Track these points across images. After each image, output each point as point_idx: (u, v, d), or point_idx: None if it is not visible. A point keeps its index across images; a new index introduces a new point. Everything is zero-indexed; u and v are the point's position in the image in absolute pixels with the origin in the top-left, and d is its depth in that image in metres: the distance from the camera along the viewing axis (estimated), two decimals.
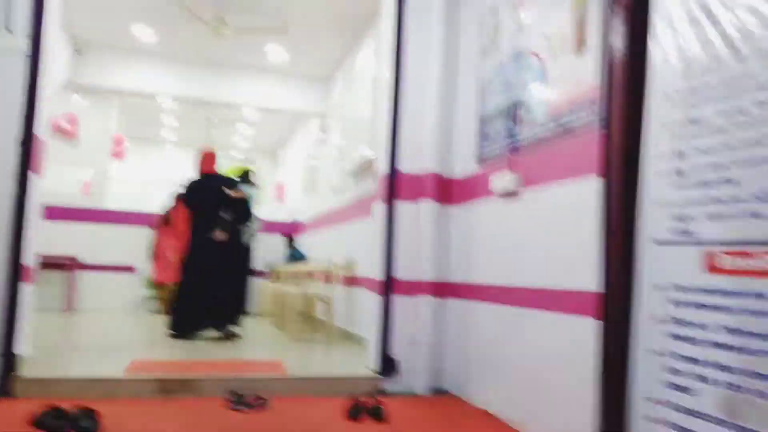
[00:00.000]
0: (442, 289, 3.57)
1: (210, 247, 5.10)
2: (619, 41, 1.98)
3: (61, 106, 7.66)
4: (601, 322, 2.03)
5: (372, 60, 4.53)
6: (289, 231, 8.34)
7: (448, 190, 3.62)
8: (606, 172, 2.04)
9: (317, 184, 7.48)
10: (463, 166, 3.57)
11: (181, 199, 5.43)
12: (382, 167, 3.73)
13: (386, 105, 3.71)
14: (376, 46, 4.50)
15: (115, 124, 8.44)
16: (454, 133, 3.66)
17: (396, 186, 3.60)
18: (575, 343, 2.26)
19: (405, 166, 3.62)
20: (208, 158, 5.38)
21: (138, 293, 7.66)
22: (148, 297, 7.59)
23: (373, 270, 3.71)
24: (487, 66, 3.31)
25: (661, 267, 1.79)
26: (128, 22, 5.81)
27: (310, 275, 6.15)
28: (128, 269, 7.65)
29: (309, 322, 6.01)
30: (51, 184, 9.10)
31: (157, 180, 11.91)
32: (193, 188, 5.35)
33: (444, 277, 3.58)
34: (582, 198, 2.30)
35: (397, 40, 3.67)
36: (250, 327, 6.04)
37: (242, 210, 5.43)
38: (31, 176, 3.00)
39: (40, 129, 3.09)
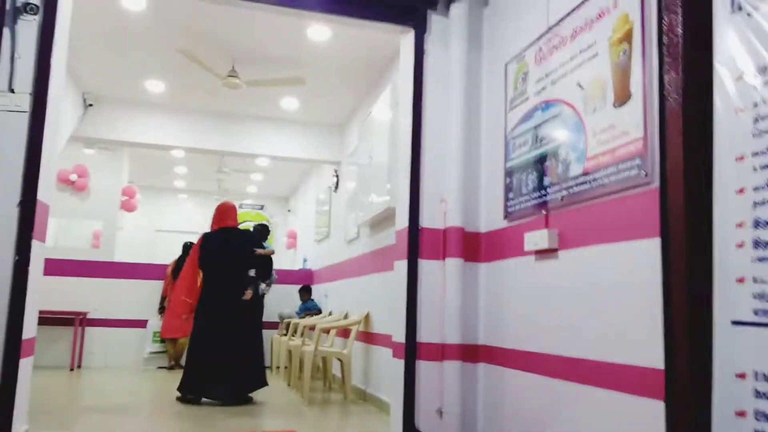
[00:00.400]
0: (472, 353, 3.31)
1: (226, 305, 4.86)
2: (673, 90, 1.79)
3: (71, 159, 7.63)
4: (669, 408, 1.77)
5: (389, 108, 4.39)
6: (306, 282, 8.13)
7: (474, 246, 3.40)
8: (665, 237, 1.82)
9: (331, 233, 7.30)
10: (489, 220, 3.37)
11: (195, 251, 5.22)
12: (401, 221, 3.54)
13: (406, 157, 3.54)
14: (393, 95, 4.37)
15: (125, 176, 8.38)
16: (478, 186, 3.47)
17: (418, 242, 3.39)
18: (637, 429, 2.00)
19: (427, 220, 3.42)
20: (227, 212, 5.14)
21: (147, 348, 7.41)
22: (158, 352, 7.35)
23: (397, 332, 3.47)
24: (514, 116, 3.14)
25: (740, 350, 1.55)
26: (140, 76, 5.76)
27: (326, 331, 5.90)
28: (139, 324, 7.44)
29: (324, 379, 5.73)
30: (60, 237, 9.10)
31: (168, 229, 11.82)
32: (211, 242, 5.11)
33: (472, 340, 3.33)
34: (635, 262, 2.08)
35: (416, 89, 3.53)
36: None
37: (266, 267, 5.27)
38: (34, 244, 2.82)
39: (44, 192, 2.94)
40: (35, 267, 2.87)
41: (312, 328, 6.52)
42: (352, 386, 4.92)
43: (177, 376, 6.69)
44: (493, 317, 3.24)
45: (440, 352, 3.31)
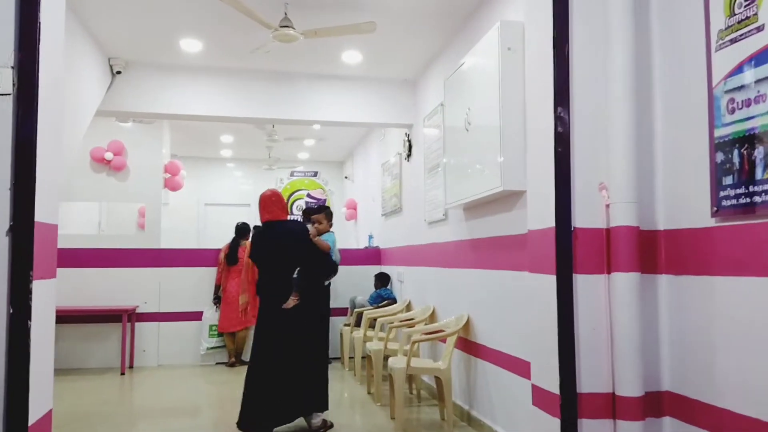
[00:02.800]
0: (654, 405, 2.36)
1: (278, 321, 4.01)
2: None
3: (104, 135, 6.90)
4: None
5: (497, 56, 3.34)
6: (373, 261, 7.28)
7: (650, 252, 2.41)
8: None
9: (403, 209, 6.36)
10: (675, 214, 2.35)
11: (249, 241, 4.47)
12: (539, 217, 2.57)
13: (543, 124, 2.54)
14: (504, 39, 3.31)
15: (167, 149, 7.62)
16: (653, 164, 2.44)
17: (571, 249, 2.41)
18: None
19: (582, 217, 2.42)
20: (270, 203, 4.19)
21: (204, 344, 6.78)
22: (216, 347, 6.69)
23: (542, 375, 2.53)
24: (728, 58, 2.08)
25: None
26: (173, 34, 4.85)
27: (408, 324, 5.04)
28: (193, 316, 6.79)
29: (410, 387, 4.93)
30: (104, 224, 8.52)
31: (218, 203, 11.16)
32: (259, 241, 4.38)
33: (654, 386, 2.37)
34: None
35: (559, 26, 2.48)
36: (335, 391, 5.00)
37: (324, 262, 4.37)
38: (38, 287, 1.99)
39: (47, 208, 2.09)
40: (43, 317, 2.05)
41: (386, 317, 5.69)
42: (452, 404, 4.05)
43: (240, 373, 6.05)
44: (688, 355, 2.27)
45: (610, 407, 2.37)
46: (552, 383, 2.44)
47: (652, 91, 2.48)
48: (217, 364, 6.75)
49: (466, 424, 4.16)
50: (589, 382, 2.38)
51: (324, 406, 4.19)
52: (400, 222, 6.49)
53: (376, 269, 7.20)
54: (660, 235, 2.44)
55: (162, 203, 7.35)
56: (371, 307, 6.34)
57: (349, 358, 6.38)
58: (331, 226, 4.63)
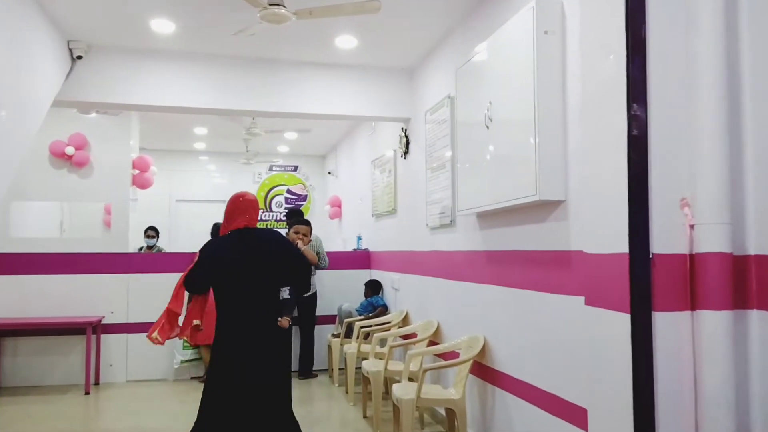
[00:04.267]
0: None
1: (254, 354, 3.26)
2: None
3: (64, 128, 6.26)
4: None
5: (530, 42, 2.87)
6: (363, 265, 6.80)
7: (744, 284, 1.97)
8: None
9: (398, 211, 5.88)
10: None
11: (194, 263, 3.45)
12: (598, 239, 2.12)
13: (601, 121, 2.07)
14: (542, 21, 2.83)
15: (135, 142, 6.99)
16: (742, 173, 2.00)
17: (650, 281, 1.95)
18: None
19: (660, 241, 1.97)
20: (251, 207, 3.44)
21: (178, 356, 6.22)
22: (191, 359, 6.12)
23: None
24: None
25: None
26: (143, 14, 4.27)
27: (408, 338, 4.59)
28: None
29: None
30: (66, 225, 7.85)
31: (190, 198, 10.53)
32: (223, 251, 3.35)
33: None
34: None
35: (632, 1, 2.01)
36: (325, 412, 4.51)
37: (305, 277, 3.86)
38: None
39: None
40: None
41: (382, 329, 5.22)
42: None
43: None
44: None
45: None
46: None
47: (741, 89, 2.03)
48: (192, 378, 6.20)
49: None
50: None
51: None
52: (394, 225, 6.00)
53: (365, 273, 6.72)
54: (751, 261, 2.00)
55: (130, 199, 6.75)
56: (360, 317, 5.86)
57: (339, 369, 5.90)
58: (310, 242, 4.28)
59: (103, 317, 6.11)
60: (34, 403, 5.30)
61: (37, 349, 5.97)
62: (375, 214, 6.74)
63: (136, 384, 6.06)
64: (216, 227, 6.13)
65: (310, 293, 6.04)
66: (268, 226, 9.65)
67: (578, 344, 2.67)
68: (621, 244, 1.99)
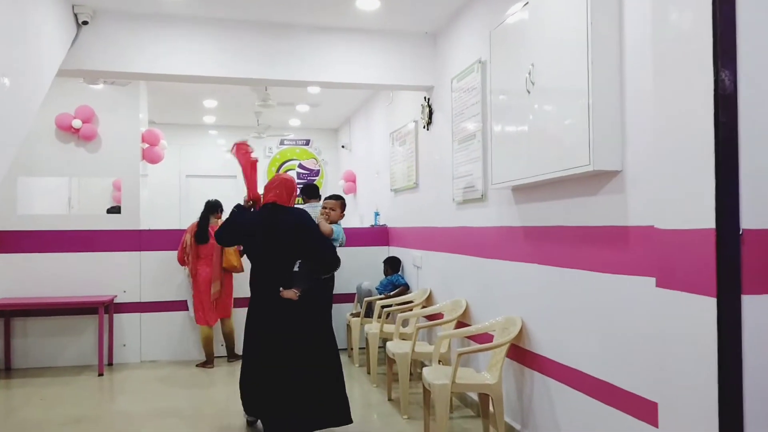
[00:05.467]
0: None
1: (277, 318, 3.64)
2: None
3: (70, 99, 6.03)
4: None
5: (583, 2, 2.61)
6: (381, 241, 6.59)
7: None
8: None
9: (420, 185, 5.64)
10: None
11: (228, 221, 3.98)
12: (667, 215, 1.89)
13: (676, 83, 1.83)
14: None
15: (144, 115, 6.76)
16: None
17: (739, 260, 1.73)
18: None
19: (750, 215, 1.74)
20: (286, 187, 3.87)
21: (190, 336, 6.08)
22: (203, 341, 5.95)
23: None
24: None
25: None
26: None
27: (434, 318, 4.41)
28: (180, 306, 6.07)
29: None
30: (75, 202, 7.66)
31: (201, 174, 10.34)
32: (253, 221, 3.86)
33: None
34: None
35: None
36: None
37: (328, 254, 3.81)
38: None
39: None
40: None
41: (404, 309, 5.04)
42: (504, 423, 3.42)
43: (231, 372, 5.40)
44: None
45: None
46: None
47: None
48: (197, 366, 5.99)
49: None
50: None
51: (346, 419, 3.60)
52: (415, 200, 5.77)
53: (384, 251, 6.52)
54: None
55: (141, 175, 6.54)
56: (381, 296, 5.67)
57: (360, 349, 5.74)
58: (342, 217, 4.18)
59: (116, 296, 5.96)
60: (47, 385, 5.18)
61: (48, 330, 5.84)
62: (394, 188, 6.51)
63: (150, 365, 5.94)
64: (209, 202, 5.89)
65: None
66: None
67: (639, 329, 2.45)
68: (704, 219, 1.77)
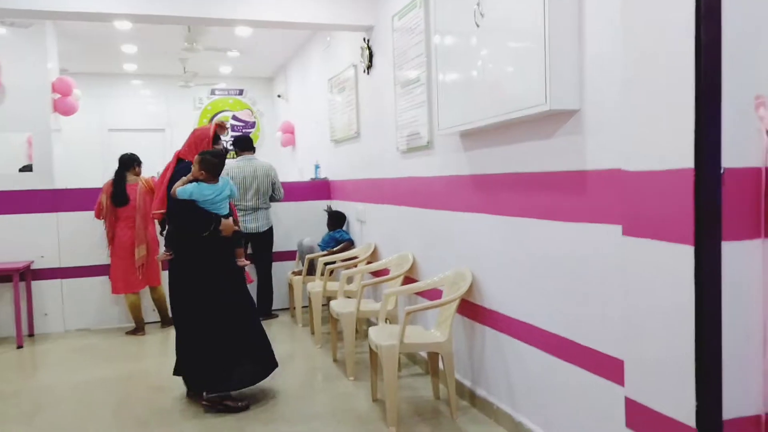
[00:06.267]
0: None
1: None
2: None
3: None
4: None
5: None
6: (321, 195, 6.32)
7: None
8: None
9: (361, 134, 5.36)
10: None
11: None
12: (639, 155, 1.71)
13: (672, 6, 1.61)
14: None
15: (54, 62, 6.14)
16: None
17: (719, 202, 1.56)
18: None
19: (730, 153, 1.57)
20: (190, 138, 3.65)
21: (119, 302, 5.69)
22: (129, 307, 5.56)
23: (663, 396, 1.73)
24: None
25: None
26: None
27: (381, 275, 4.23)
28: (106, 270, 5.62)
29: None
30: None
31: (124, 128, 9.68)
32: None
33: None
34: None
35: None
36: (288, 354, 4.15)
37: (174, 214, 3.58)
38: None
39: None
40: None
41: (348, 266, 4.84)
42: (455, 382, 3.28)
43: (166, 337, 5.08)
44: None
45: None
46: (674, 404, 1.65)
47: None
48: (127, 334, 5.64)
49: (469, 404, 3.44)
50: (735, 405, 1.61)
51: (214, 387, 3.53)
52: (357, 150, 5.49)
53: (326, 205, 6.25)
54: None
55: (53, 130, 5.97)
56: (323, 253, 5.44)
57: (303, 307, 5.52)
58: (203, 175, 3.49)
59: (32, 262, 5.49)
60: None
61: None
62: (334, 139, 6.19)
63: (76, 334, 5.54)
64: (124, 157, 5.38)
65: (265, 228, 5.56)
66: None
67: (601, 281, 2.31)
68: (682, 158, 1.58)
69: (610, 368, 2.29)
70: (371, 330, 3.44)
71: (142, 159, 5.49)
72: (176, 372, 3.78)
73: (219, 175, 3.45)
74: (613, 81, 2.17)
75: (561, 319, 2.57)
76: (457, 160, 3.49)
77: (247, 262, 3.73)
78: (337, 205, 6.07)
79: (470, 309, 3.37)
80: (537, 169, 2.69)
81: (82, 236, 5.60)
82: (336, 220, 5.68)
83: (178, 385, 3.82)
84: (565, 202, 2.49)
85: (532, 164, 2.72)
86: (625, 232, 1.82)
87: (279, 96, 9.30)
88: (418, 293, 3.89)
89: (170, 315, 5.62)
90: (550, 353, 2.66)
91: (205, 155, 3.40)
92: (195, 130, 3.70)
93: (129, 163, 5.37)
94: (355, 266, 4.88)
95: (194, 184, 3.39)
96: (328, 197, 6.35)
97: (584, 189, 2.37)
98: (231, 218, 3.54)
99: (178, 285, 3.58)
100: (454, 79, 3.18)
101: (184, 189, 3.35)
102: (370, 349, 3.49)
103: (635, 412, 1.82)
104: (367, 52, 4.96)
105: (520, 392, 2.96)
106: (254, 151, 5.75)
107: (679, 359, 1.63)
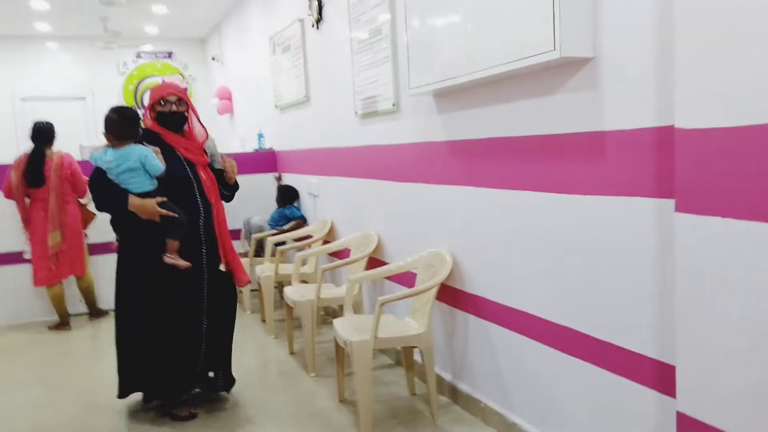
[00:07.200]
0: None
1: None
2: None
3: None
4: None
5: None
6: (266, 168, 5.79)
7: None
8: None
9: (311, 98, 4.84)
10: None
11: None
12: (696, 109, 1.34)
13: None
14: None
15: None
16: None
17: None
18: None
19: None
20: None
21: (39, 293, 5.03)
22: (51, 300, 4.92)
23: (736, 411, 1.39)
24: None
25: None
26: None
27: (338, 256, 3.80)
28: (12, 259, 4.94)
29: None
30: None
31: (40, 96, 8.76)
32: None
33: None
34: None
35: None
36: (239, 347, 3.71)
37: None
38: None
39: None
40: None
41: (300, 247, 4.41)
42: (436, 377, 2.91)
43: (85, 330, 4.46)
44: None
45: None
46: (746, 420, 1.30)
47: None
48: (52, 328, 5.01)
49: (449, 400, 3.08)
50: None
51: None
52: (307, 117, 4.98)
53: (273, 179, 5.73)
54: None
55: None
56: (273, 232, 4.95)
57: (252, 291, 5.04)
58: (113, 139, 2.86)
59: None
60: None
61: None
62: (279, 105, 5.64)
63: None
64: (40, 127, 4.65)
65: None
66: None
67: (619, 265, 1.95)
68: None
69: (634, 367, 1.95)
70: (337, 323, 3.02)
71: (61, 130, 4.80)
72: (125, 390, 3.12)
73: (124, 137, 2.78)
74: (641, 19, 1.78)
75: (570, 308, 2.21)
76: (430, 125, 3.06)
77: (180, 262, 2.84)
78: (286, 179, 5.56)
79: (450, 294, 2.98)
80: (535, 131, 2.29)
81: None
82: (286, 195, 5.18)
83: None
84: (576, 170, 2.11)
85: (530, 126, 2.32)
86: (680, 208, 1.45)
87: (213, 59, 8.57)
88: (388, 277, 3.49)
89: (99, 306, 5.06)
90: (554, 347, 2.31)
91: (108, 112, 2.84)
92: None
93: (49, 133, 4.64)
94: (310, 246, 4.43)
95: (103, 148, 2.82)
96: (275, 169, 5.82)
97: (602, 154, 1.99)
98: (153, 199, 2.80)
99: (118, 276, 3.02)
100: (429, 27, 2.73)
101: (91, 154, 2.79)
102: (336, 342, 3.07)
103: (692, 430, 1.48)
104: (315, 2, 4.41)
105: (513, 389, 2.62)
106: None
107: (756, 362, 1.28)
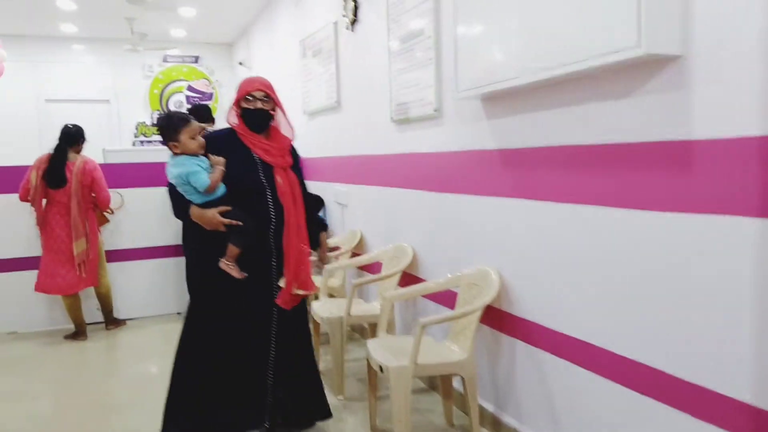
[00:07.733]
0: None
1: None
2: None
3: None
4: None
5: None
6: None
7: None
8: None
9: (342, 103, 4.65)
10: None
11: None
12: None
13: None
14: None
15: None
16: None
17: None
18: None
19: None
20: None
21: (54, 301, 4.88)
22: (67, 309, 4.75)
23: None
24: None
25: None
26: None
27: (368, 270, 3.58)
28: (29, 264, 4.80)
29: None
30: None
31: (65, 98, 8.72)
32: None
33: None
34: None
35: None
36: None
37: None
38: None
39: None
40: None
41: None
42: (479, 408, 2.66)
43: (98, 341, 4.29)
44: None
45: None
46: None
47: None
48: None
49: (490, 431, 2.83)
50: None
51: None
52: (337, 122, 4.79)
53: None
54: None
55: None
56: None
57: None
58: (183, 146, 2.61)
59: None
60: None
61: None
62: (308, 111, 5.46)
63: (1, 338, 4.73)
64: (67, 133, 4.52)
65: None
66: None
67: (709, 297, 1.70)
68: None
69: (725, 414, 1.69)
70: (371, 344, 2.79)
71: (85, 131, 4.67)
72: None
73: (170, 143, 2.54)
74: (743, 11, 1.55)
75: (644, 341, 1.96)
76: (477, 131, 2.83)
77: (234, 271, 2.52)
78: (312, 186, 5.36)
79: (495, 317, 2.74)
80: (607, 139, 2.06)
81: (9, 224, 4.76)
82: (312, 205, 4.97)
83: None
84: (657, 184, 1.87)
85: (599, 133, 2.09)
86: None
87: (240, 63, 8.45)
88: (425, 296, 3.26)
89: (115, 315, 4.90)
90: (621, 383, 2.06)
91: (162, 117, 2.63)
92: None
93: (76, 137, 4.52)
94: (338, 259, 4.21)
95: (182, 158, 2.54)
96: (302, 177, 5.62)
97: (689, 166, 1.75)
98: (216, 208, 2.49)
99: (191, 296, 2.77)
100: (484, 24, 2.51)
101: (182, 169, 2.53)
102: (368, 364, 2.85)
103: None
104: (351, 3, 4.23)
105: (566, 425, 2.36)
106: (214, 123, 4.98)
107: None
